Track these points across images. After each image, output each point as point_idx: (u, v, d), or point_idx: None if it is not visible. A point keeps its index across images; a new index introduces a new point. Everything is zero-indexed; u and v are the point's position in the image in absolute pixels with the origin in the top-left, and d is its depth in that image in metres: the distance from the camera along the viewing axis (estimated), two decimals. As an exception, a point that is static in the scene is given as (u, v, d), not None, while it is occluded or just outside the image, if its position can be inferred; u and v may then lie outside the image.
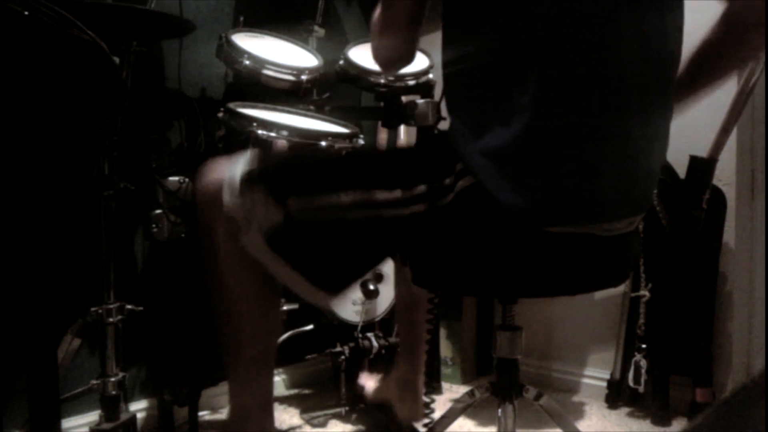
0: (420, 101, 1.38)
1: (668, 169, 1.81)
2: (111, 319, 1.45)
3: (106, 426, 1.44)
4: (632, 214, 0.97)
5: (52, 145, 1.07)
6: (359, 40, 1.97)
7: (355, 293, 1.82)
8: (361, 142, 1.68)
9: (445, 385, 2.16)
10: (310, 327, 1.93)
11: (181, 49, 1.82)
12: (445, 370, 2.19)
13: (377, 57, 1.15)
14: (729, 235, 1.83)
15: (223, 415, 1.88)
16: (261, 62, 1.67)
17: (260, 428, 1.11)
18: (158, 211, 1.59)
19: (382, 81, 1.80)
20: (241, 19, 1.87)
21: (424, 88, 1.79)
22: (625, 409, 1.93)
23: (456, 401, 1.24)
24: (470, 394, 1.21)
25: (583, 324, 2.11)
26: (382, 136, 2.09)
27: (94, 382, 1.46)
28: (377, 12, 1.08)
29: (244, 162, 1.05)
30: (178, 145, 1.80)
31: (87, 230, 1.56)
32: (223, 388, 1.82)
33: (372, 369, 1.78)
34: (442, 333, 2.19)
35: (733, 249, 1.84)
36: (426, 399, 1.52)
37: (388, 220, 0.95)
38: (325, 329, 1.90)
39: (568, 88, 0.87)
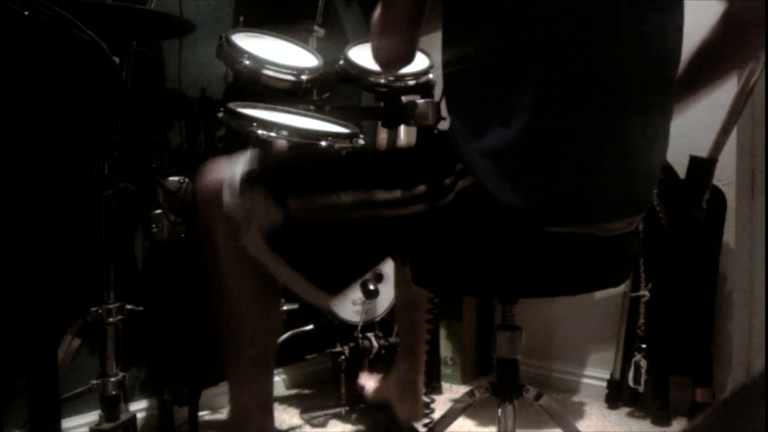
0: (420, 101, 1.38)
1: (668, 169, 1.81)
2: (111, 319, 1.45)
3: (106, 426, 1.44)
4: (632, 214, 0.97)
5: (52, 145, 1.07)
6: (359, 40, 1.97)
7: (355, 293, 1.82)
8: (361, 142, 1.68)
9: (445, 385, 2.16)
10: (310, 327, 1.92)
11: (181, 49, 1.82)
12: (445, 370, 2.19)
13: (377, 57, 1.15)
14: (729, 235, 1.83)
15: (223, 415, 1.88)
16: (261, 62, 1.67)
17: (260, 428, 1.11)
18: (158, 211, 1.59)
19: (382, 81, 1.80)
20: (241, 19, 1.87)
21: (424, 88, 1.79)
22: (625, 409, 1.93)
23: (456, 401, 1.24)
24: (470, 394, 1.21)
25: (583, 324, 2.11)
26: (382, 136, 2.09)
27: (94, 382, 1.46)
28: (377, 12, 1.08)
29: (244, 162, 1.05)
30: (178, 145, 1.80)
31: (87, 230, 1.56)
32: (223, 388, 1.82)
33: (372, 369, 1.78)
34: (442, 333, 2.19)
35: (733, 249, 1.84)
36: (426, 399, 1.52)
37: (388, 220, 0.95)
38: (325, 329, 1.90)
39: (568, 88, 0.87)
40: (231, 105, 1.58)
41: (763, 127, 1.86)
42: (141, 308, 1.53)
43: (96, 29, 1.00)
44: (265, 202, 0.99)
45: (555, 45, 0.86)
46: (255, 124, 1.51)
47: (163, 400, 1.62)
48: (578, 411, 1.95)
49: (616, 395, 1.94)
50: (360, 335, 1.82)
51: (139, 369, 1.77)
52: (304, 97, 1.78)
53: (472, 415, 1.83)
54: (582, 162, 0.89)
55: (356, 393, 1.74)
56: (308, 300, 1.06)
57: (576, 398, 2.06)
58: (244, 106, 1.61)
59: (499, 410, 1.14)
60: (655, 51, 0.92)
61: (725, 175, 1.83)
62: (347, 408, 1.83)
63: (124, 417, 1.48)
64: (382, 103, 1.79)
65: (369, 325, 1.88)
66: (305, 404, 1.94)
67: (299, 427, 1.80)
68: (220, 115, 1.59)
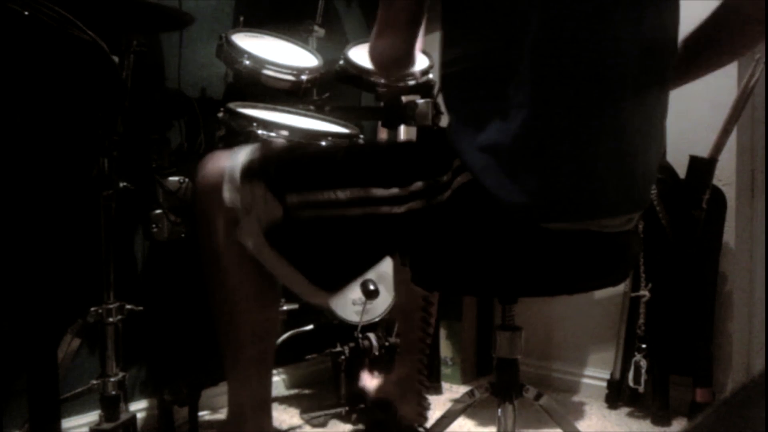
0: (420, 101, 1.39)
1: (668, 169, 1.81)
2: (111, 319, 1.45)
3: (106, 426, 1.44)
4: (630, 210, 0.97)
5: (52, 145, 1.07)
6: (359, 40, 1.97)
7: (355, 293, 1.82)
8: (361, 142, 1.68)
9: (445, 385, 2.16)
10: (310, 327, 1.92)
11: (181, 49, 1.82)
12: (445, 370, 2.19)
13: (376, 58, 1.13)
14: (729, 235, 1.83)
15: (223, 415, 1.88)
16: (261, 62, 1.67)
17: (258, 428, 1.11)
18: (158, 211, 1.59)
19: (382, 81, 1.80)
20: (241, 19, 1.87)
21: (424, 88, 1.79)
22: (625, 409, 1.93)
23: (456, 401, 1.24)
24: (470, 394, 1.21)
25: (583, 324, 2.11)
26: (382, 136, 2.09)
27: (94, 382, 1.46)
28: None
29: (244, 154, 1.05)
30: (178, 145, 1.80)
31: (87, 230, 1.56)
32: (223, 388, 1.81)
33: (372, 369, 1.78)
34: (442, 333, 2.19)
35: (733, 249, 1.84)
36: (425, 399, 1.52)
37: (385, 217, 0.95)
38: (325, 329, 1.90)
39: (566, 86, 0.87)
40: (231, 105, 1.58)
41: (763, 127, 1.86)
42: (141, 308, 1.53)
43: (94, 22, 0.99)
44: (265, 196, 0.99)
45: (554, 44, 0.86)
46: (255, 124, 1.51)
47: (163, 400, 1.62)
48: (578, 411, 1.95)
49: (616, 395, 1.94)
50: (360, 335, 1.82)
51: (139, 369, 1.77)
52: (304, 97, 1.78)
53: (472, 415, 1.83)
54: (579, 158, 0.89)
55: (356, 393, 1.74)
56: (306, 298, 1.06)
57: (576, 398, 2.06)
58: (244, 106, 1.61)
59: (499, 410, 1.14)
60: (653, 49, 0.92)
61: (725, 175, 1.83)
62: (347, 408, 1.82)
63: (124, 417, 1.48)
64: (382, 103, 1.79)
65: (369, 325, 1.88)
66: (305, 404, 1.94)
67: (299, 427, 1.80)
68: (220, 115, 1.59)
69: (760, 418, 0.45)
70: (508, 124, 0.87)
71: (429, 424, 1.52)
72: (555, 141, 0.88)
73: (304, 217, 0.98)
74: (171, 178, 1.61)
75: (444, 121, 1.02)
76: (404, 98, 1.46)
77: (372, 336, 1.83)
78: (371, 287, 1.82)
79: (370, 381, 1.67)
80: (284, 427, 1.80)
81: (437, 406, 1.93)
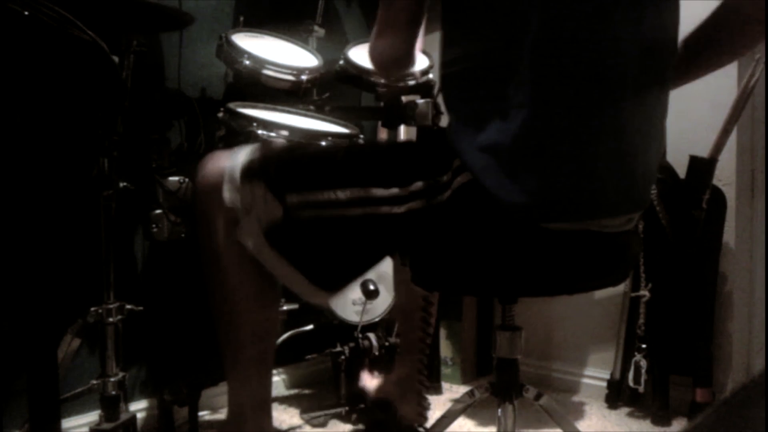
0: (420, 101, 1.38)
1: (668, 169, 1.81)
2: (111, 319, 1.45)
3: (106, 426, 1.44)
4: (630, 210, 0.97)
5: (52, 145, 1.07)
6: (359, 40, 1.97)
7: (355, 293, 1.82)
8: (361, 142, 1.68)
9: (445, 385, 2.16)
10: (310, 327, 1.92)
11: (181, 49, 1.82)
12: (445, 370, 2.19)
13: (376, 58, 1.12)
14: (729, 235, 1.83)
15: (223, 415, 1.88)
16: (261, 62, 1.67)
17: (258, 428, 1.11)
18: (158, 211, 1.59)
19: (382, 81, 1.80)
20: (241, 19, 1.87)
21: (424, 88, 1.79)
22: (625, 409, 1.93)
23: (456, 401, 1.24)
24: (470, 394, 1.21)
25: (583, 324, 2.11)
26: (382, 136, 2.09)
27: (94, 382, 1.46)
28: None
29: (244, 154, 1.05)
30: (178, 145, 1.80)
31: (87, 230, 1.56)
32: (223, 388, 1.81)
33: (372, 369, 1.78)
34: (442, 333, 2.19)
35: (733, 249, 1.84)
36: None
37: (385, 217, 0.95)
38: (325, 329, 1.90)
39: (566, 86, 0.87)
40: (231, 105, 1.58)
41: (763, 127, 1.86)
42: (141, 308, 1.53)
43: (94, 22, 0.99)
44: (265, 196, 0.99)
45: (554, 44, 0.86)
46: (255, 124, 1.51)
47: (163, 400, 1.62)
48: (578, 411, 1.95)
49: (616, 395, 1.94)
50: (360, 335, 1.82)
51: (139, 369, 1.77)
52: (304, 97, 1.78)
53: (472, 415, 1.83)
54: (579, 158, 0.89)
55: (356, 393, 1.74)
56: (306, 298, 1.06)
57: (576, 398, 2.06)
58: (244, 106, 1.61)
59: (499, 410, 1.14)
60: (653, 49, 0.92)
61: (725, 175, 1.83)
62: (347, 408, 1.82)
63: (124, 417, 1.48)
64: (382, 103, 1.79)
65: (369, 325, 1.88)
66: (305, 404, 1.94)
67: (299, 427, 1.80)
68: (220, 115, 1.59)
69: (760, 418, 0.45)
70: (508, 124, 0.87)
71: (429, 424, 1.52)
72: (555, 141, 0.88)
73: (304, 217, 0.98)
74: (171, 178, 1.61)
75: (444, 121, 1.02)
76: (404, 98, 1.46)
77: (372, 336, 1.83)
78: (371, 287, 1.82)
79: (370, 381, 1.67)
80: (284, 427, 1.80)
81: (437, 406, 1.93)
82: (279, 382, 2.10)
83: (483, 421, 1.80)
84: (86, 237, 1.57)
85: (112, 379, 1.45)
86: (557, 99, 0.87)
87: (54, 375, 1.06)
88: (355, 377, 1.77)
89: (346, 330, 1.85)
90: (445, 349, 2.20)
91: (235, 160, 1.04)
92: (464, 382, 2.19)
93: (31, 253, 1.03)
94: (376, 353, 1.81)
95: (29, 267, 1.03)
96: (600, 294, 2.01)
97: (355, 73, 1.81)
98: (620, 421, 1.86)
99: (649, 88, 0.93)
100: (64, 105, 1.10)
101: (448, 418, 1.22)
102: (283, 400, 2.00)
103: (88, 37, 0.98)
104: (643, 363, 1.83)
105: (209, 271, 1.09)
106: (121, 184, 1.47)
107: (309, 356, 1.92)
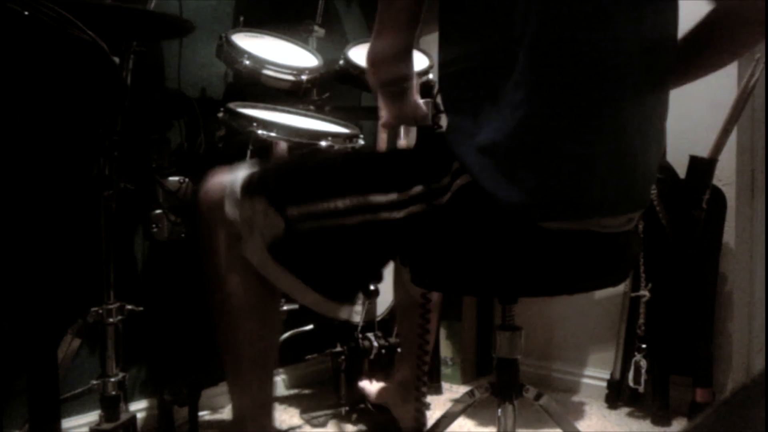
0: (420, 101, 1.38)
1: (668, 169, 1.81)
2: (111, 319, 1.45)
3: (106, 426, 1.44)
4: (630, 210, 0.97)
5: (52, 145, 1.07)
6: (359, 40, 1.97)
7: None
8: (361, 142, 1.68)
9: (445, 385, 2.16)
10: (310, 327, 1.93)
11: (181, 49, 1.82)
12: (445, 370, 2.19)
13: (374, 58, 1.12)
14: (729, 235, 1.83)
15: (223, 415, 1.88)
16: (261, 62, 1.67)
17: (260, 430, 1.11)
18: (158, 211, 1.59)
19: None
20: (241, 19, 1.87)
21: (424, 88, 1.79)
22: (625, 409, 1.93)
23: (456, 401, 1.24)
24: (470, 394, 1.21)
25: (583, 324, 2.11)
26: (382, 136, 2.09)
27: (94, 382, 1.46)
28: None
29: (244, 170, 1.05)
30: (178, 145, 1.80)
31: (87, 230, 1.56)
32: (223, 388, 1.82)
33: (372, 370, 1.78)
34: (442, 333, 2.19)
35: (733, 249, 1.84)
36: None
37: (385, 222, 0.95)
38: (325, 329, 1.90)
39: (566, 86, 0.87)
40: (231, 105, 1.58)
41: (763, 128, 1.86)
42: (141, 308, 1.53)
43: (96, 29, 1.00)
44: (266, 211, 0.99)
45: (553, 45, 0.86)
46: (255, 124, 1.51)
47: (163, 400, 1.62)
48: (578, 411, 1.95)
49: (616, 395, 1.94)
50: (360, 335, 1.82)
51: (139, 369, 1.77)
52: (304, 97, 1.78)
53: (472, 415, 1.83)
54: (579, 158, 0.89)
55: (356, 393, 1.74)
56: (317, 310, 1.05)
57: (576, 398, 2.06)
58: (244, 106, 1.61)
59: (499, 410, 1.14)
60: (653, 49, 0.92)
61: (725, 175, 1.83)
62: (347, 408, 1.83)
63: (124, 417, 1.48)
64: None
65: (369, 325, 1.88)
66: (305, 404, 1.94)
67: (299, 427, 1.80)
68: (220, 115, 1.59)
69: (760, 418, 0.45)
70: (507, 124, 0.87)
71: (429, 424, 1.52)
72: (554, 140, 0.88)
73: (305, 229, 0.98)
74: (171, 178, 1.61)
75: (444, 121, 1.02)
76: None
77: (372, 336, 1.83)
78: (371, 287, 1.82)
79: (369, 386, 1.66)
80: (284, 427, 1.80)
81: (437, 406, 1.93)
82: (279, 382, 2.10)
83: (483, 421, 1.80)
84: (86, 237, 1.57)
85: (112, 379, 1.45)
86: (557, 99, 0.87)
87: (54, 375, 1.06)
88: (355, 377, 1.77)
89: (346, 330, 1.85)
90: (445, 349, 2.20)
91: (235, 175, 1.04)
92: (464, 382, 2.19)
93: (32, 253, 1.03)
94: (376, 353, 1.81)
95: (29, 267, 1.03)
96: (600, 294, 2.01)
97: (355, 73, 1.81)
98: (620, 421, 1.86)
99: (649, 88, 0.93)
100: (65, 105, 1.10)
101: (448, 418, 1.22)
102: (283, 400, 2.00)
103: (88, 37, 0.98)
104: (643, 363, 1.83)
105: (211, 287, 1.09)
106: (121, 184, 1.47)
107: (309, 356, 1.92)
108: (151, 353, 1.78)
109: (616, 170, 0.91)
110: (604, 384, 1.97)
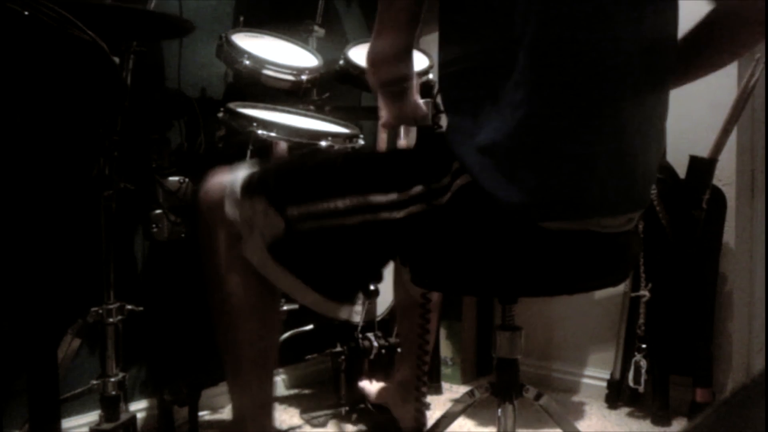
0: (420, 101, 1.38)
1: (668, 169, 1.81)
2: (111, 320, 1.45)
3: (106, 426, 1.44)
4: (630, 210, 0.97)
5: (52, 145, 1.07)
6: (359, 40, 1.97)
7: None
8: (361, 142, 1.68)
9: (445, 385, 2.16)
10: (310, 327, 1.93)
11: (181, 49, 1.82)
12: (445, 370, 2.19)
13: (374, 58, 1.12)
14: (729, 235, 1.83)
15: (223, 415, 1.88)
16: (261, 62, 1.67)
17: (260, 430, 1.11)
18: (158, 211, 1.59)
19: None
20: (241, 19, 1.87)
21: (424, 88, 1.79)
22: (625, 409, 1.93)
23: (456, 401, 1.24)
24: (470, 394, 1.21)
25: (583, 324, 2.11)
26: (383, 136, 2.09)
27: (94, 382, 1.47)
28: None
29: (244, 171, 1.05)
30: (178, 145, 1.80)
31: (87, 230, 1.56)
32: (223, 388, 1.82)
33: (372, 370, 1.77)
34: (442, 333, 2.19)
35: (733, 249, 1.84)
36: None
37: (385, 222, 0.95)
38: (325, 329, 1.90)
39: (566, 86, 0.87)
40: (231, 105, 1.58)
41: (763, 128, 1.86)
42: (141, 308, 1.53)
43: (96, 29, 1.00)
44: (266, 211, 0.99)
45: (553, 45, 0.86)
46: (255, 124, 1.51)
47: (163, 400, 1.62)
48: (578, 411, 1.95)
49: (616, 395, 1.94)
50: (360, 335, 1.82)
51: (139, 369, 1.77)
52: (304, 97, 1.78)
53: (472, 415, 1.83)
54: (579, 158, 0.89)
55: (356, 393, 1.74)
56: (317, 310, 1.06)
57: (576, 398, 2.06)
58: (244, 106, 1.61)
59: (499, 410, 1.14)
60: (654, 49, 0.92)
61: (725, 175, 1.83)
62: (347, 408, 1.83)
63: (124, 417, 1.48)
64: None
65: (369, 325, 1.88)
66: (305, 404, 1.94)
67: (299, 427, 1.80)
68: (220, 115, 1.59)
69: (760, 418, 0.45)
70: (507, 124, 0.87)
71: (429, 424, 1.52)
72: (554, 140, 0.88)
73: (305, 229, 0.97)
74: (171, 178, 1.62)
75: (444, 121, 1.02)
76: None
77: (372, 336, 1.83)
78: (371, 287, 1.82)
79: (369, 387, 1.66)
80: (284, 427, 1.80)
81: (437, 406, 1.93)
82: (279, 382, 2.10)
83: (483, 421, 1.80)
84: (86, 237, 1.57)
85: (112, 379, 1.45)
86: (557, 99, 0.87)
87: (54, 375, 1.06)
88: (355, 377, 1.77)
89: (346, 330, 1.85)
90: (445, 349, 2.20)
91: (235, 175, 1.04)
92: (464, 382, 2.19)
93: (32, 253, 1.03)
94: (376, 353, 1.81)
95: (30, 267, 1.03)
96: (600, 294, 2.01)
97: (355, 73, 1.81)
98: (620, 421, 1.86)
99: (649, 88, 0.93)
100: (65, 105, 1.10)
101: (448, 418, 1.22)
102: (283, 400, 2.00)
103: (88, 37, 0.98)
104: (643, 363, 1.83)
105: (211, 287, 1.09)
106: (121, 184, 1.47)
107: (309, 356, 1.92)
108: (151, 353, 1.78)
109: (616, 170, 0.91)
110: (604, 384, 1.97)
